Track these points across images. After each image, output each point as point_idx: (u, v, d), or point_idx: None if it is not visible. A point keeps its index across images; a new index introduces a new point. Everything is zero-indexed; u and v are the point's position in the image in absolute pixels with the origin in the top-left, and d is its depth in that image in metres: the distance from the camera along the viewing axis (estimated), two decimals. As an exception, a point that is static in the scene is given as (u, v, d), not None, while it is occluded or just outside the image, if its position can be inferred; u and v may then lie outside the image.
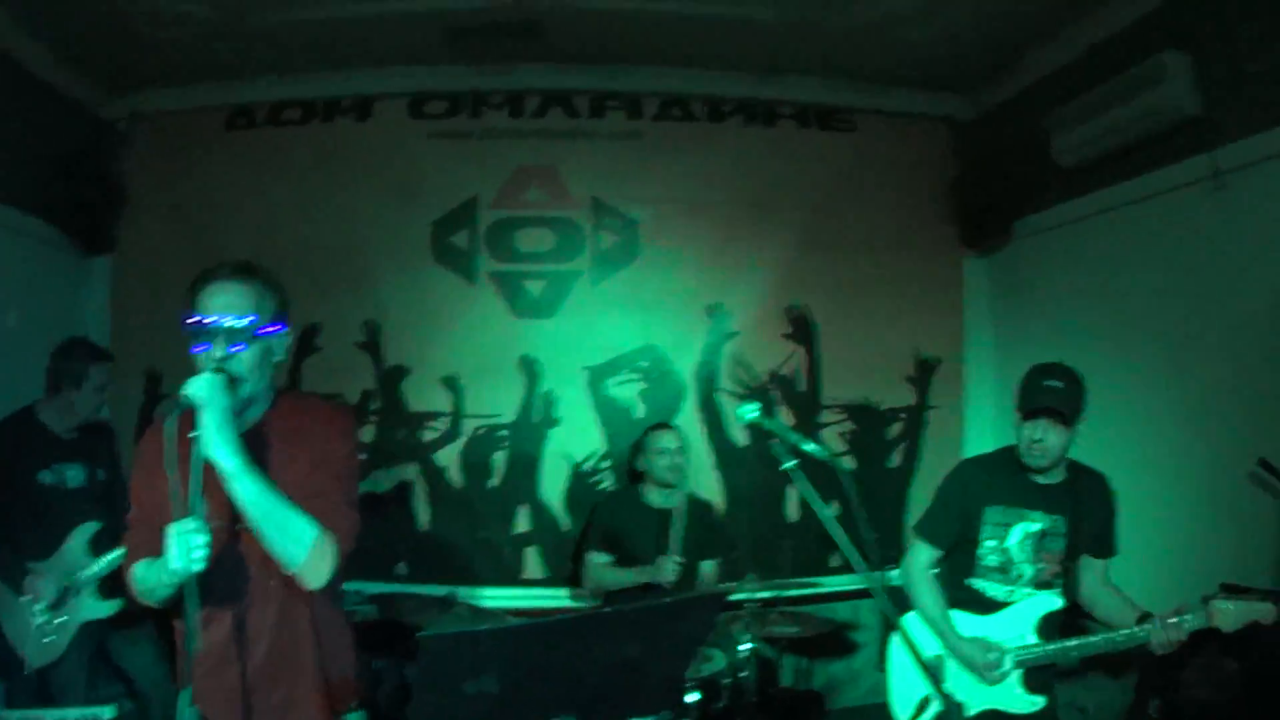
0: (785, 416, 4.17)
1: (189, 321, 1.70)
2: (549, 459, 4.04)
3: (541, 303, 4.07)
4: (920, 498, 4.05)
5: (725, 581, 3.53)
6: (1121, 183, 3.39)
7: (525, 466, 4.03)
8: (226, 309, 1.68)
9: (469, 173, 4.07)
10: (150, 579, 1.71)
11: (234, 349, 1.68)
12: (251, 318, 1.69)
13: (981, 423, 4.34)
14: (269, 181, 4.16)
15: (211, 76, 4.23)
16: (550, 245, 4.08)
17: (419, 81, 4.13)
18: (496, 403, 4.01)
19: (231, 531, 1.72)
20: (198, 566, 1.52)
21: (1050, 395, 2.30)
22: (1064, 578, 2.46)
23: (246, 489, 1.60)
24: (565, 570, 4.03)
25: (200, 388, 1.58)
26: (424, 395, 4.02)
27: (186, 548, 1.50)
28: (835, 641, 4.12)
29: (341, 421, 1.88)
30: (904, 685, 2.62)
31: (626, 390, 4.07)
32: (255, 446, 1.68)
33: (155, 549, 1.68)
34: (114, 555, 2.89)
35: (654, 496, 3.50)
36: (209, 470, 1.55)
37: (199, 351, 1.70)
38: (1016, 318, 4.27)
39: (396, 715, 3.54)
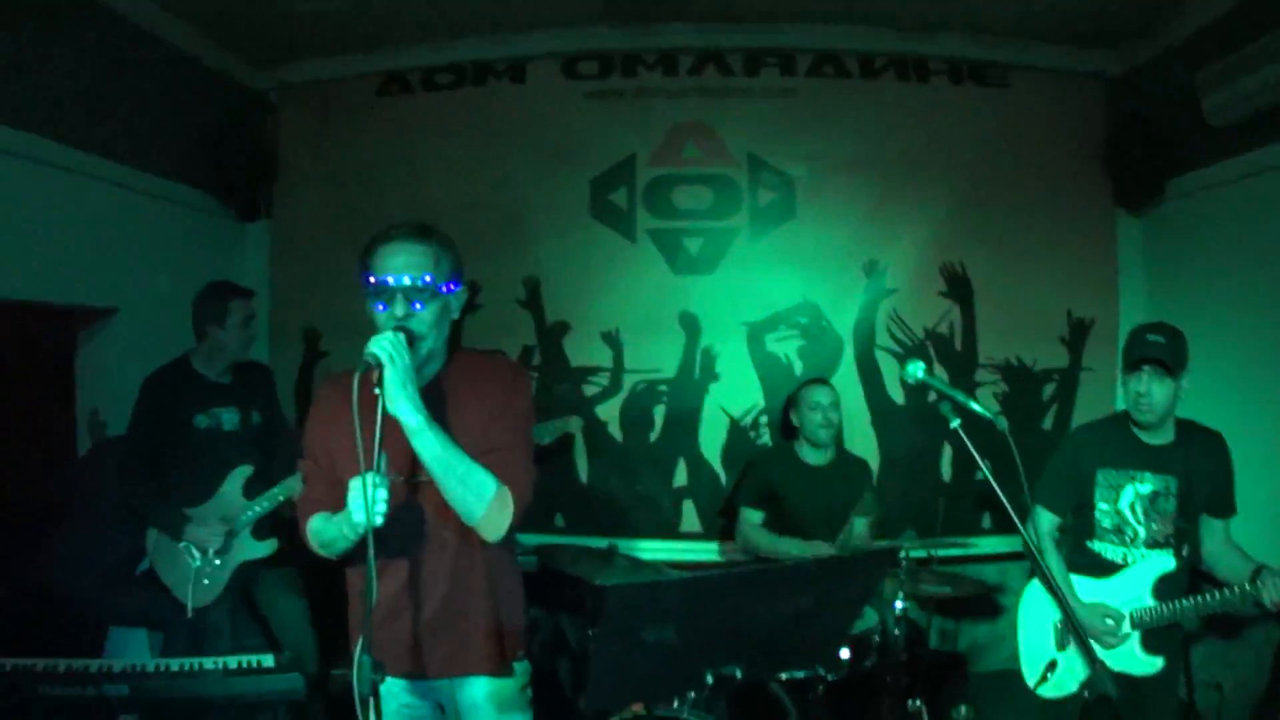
0: (941, 376, 4.09)
1: (368, 281, 1.72)
2: (708, 414, 4.03)
3: (700, 259, 4.05)
4: None
5: (877, 539, 3.52)
6: (1275, 144, 3.24)
7: (685, 421, 4.03)
8: (405, 269, 1.71)
9: (625, 132, 4.07)
10: (329, 532, 1.73)
11: (414, 308, 1.70)
12: (429, 276, 1.71)
13: (1133, 384, 4.20)
14: (423, 146, 4.22)
15: (361, 46, 4.31)
16: (708, 202, 4.06)
17: (572, 43, 4.14)
18: (657, 358, 4.01)
19: (410, 484, 1.75)
20: (379, 520, 1.52)
21: (1152, 347, 2.34)
22: (1184, 538, 2.44)
23: (429, 444, 1.61)
24: (720, 525, 4.02)
25: (383, 346, 1.59)
26: (585, 350, 4.04)
27: (369, 501, 1.51)
28: (981, 604, 4.04)
29: (517, 377, 1.91)
30: (1032, 648, 2.63)
31: (785, 346, 4.04)
32: (433, 401, 1.70)
33: (331, 503, 1.73)
34: (271, 496, 2.98)
35: (808, 453, 3.48)
36: (388, 424, 1.56)
37: (379, 311, 1.72)
38: (1171, 279, 4.12)
39: (548, 665, 3.56)
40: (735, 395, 4.03)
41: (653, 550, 3.87)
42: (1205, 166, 3.70)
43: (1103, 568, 2.48)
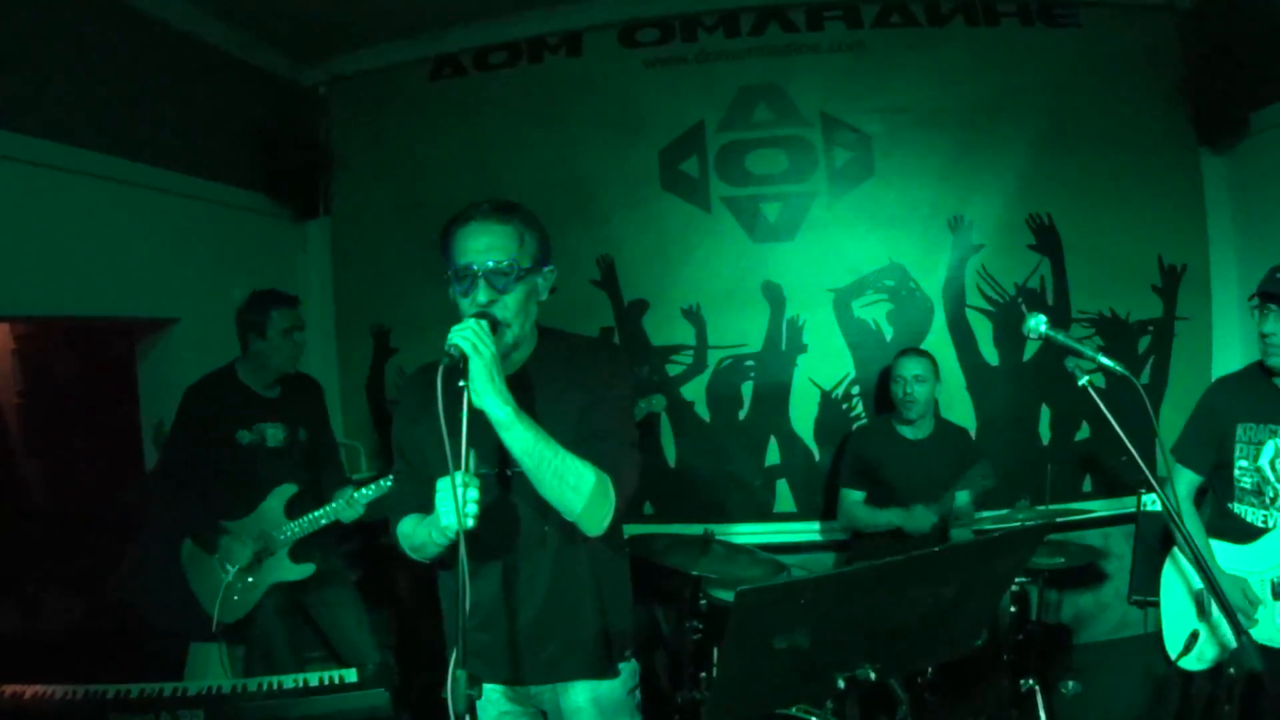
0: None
1: (450, 266, 1.60)
2: (798, 387, 3.88)
3: (780, 226, 3.90)
4: (1172, 416, 3.77)
5: (979, 509, 3.41)
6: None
7: (774, 396, 3.89)
8: (487, 251, 1.58)
9: (691, 98, 3.93)
10: (419, 536, 1.62)
11: (498, 292, 1.57)
12: (512, 258, 1.58)
13: (1228, 332, 4.03)
14: (482, 129, 4.12)
15: (408, 31, 4.20)
16: (783, 166, 3.91)
17: (627, 10, 4.01)
18: (741, 332, 3.88)
19: (502, 478, 1.63)
20: (470, 523, 1.41)
21: (1276, 284, 2.14)
22: None
23: (520, 438, 1.49)
24: (817, 504, 3.89)
25: (466, 336, 1.47)
26: (666, 328, 3.91)
27: (459, 503, 1.40)
28: (1085, 572, 3.89)
29: (613, 359, 1.77)
30: (1174, 618, 2.46)
31: (874, 311, 3.88)
32: (522, 389, 1.58)
33: (422, 503, 1.61)
34: (311, 519, 2.86)
35: (905, 427, 3.34)
36: (475, 415, 1.44)
37: (461, 297, 1.60)
38: (1260, 217, 3.93)
39: (644, 660, 3.45)
40: (825, 366, 3.88)
41: (747, 534, 3.73)
42: None
43: (1245, 533, 2.31)
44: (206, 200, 3.76)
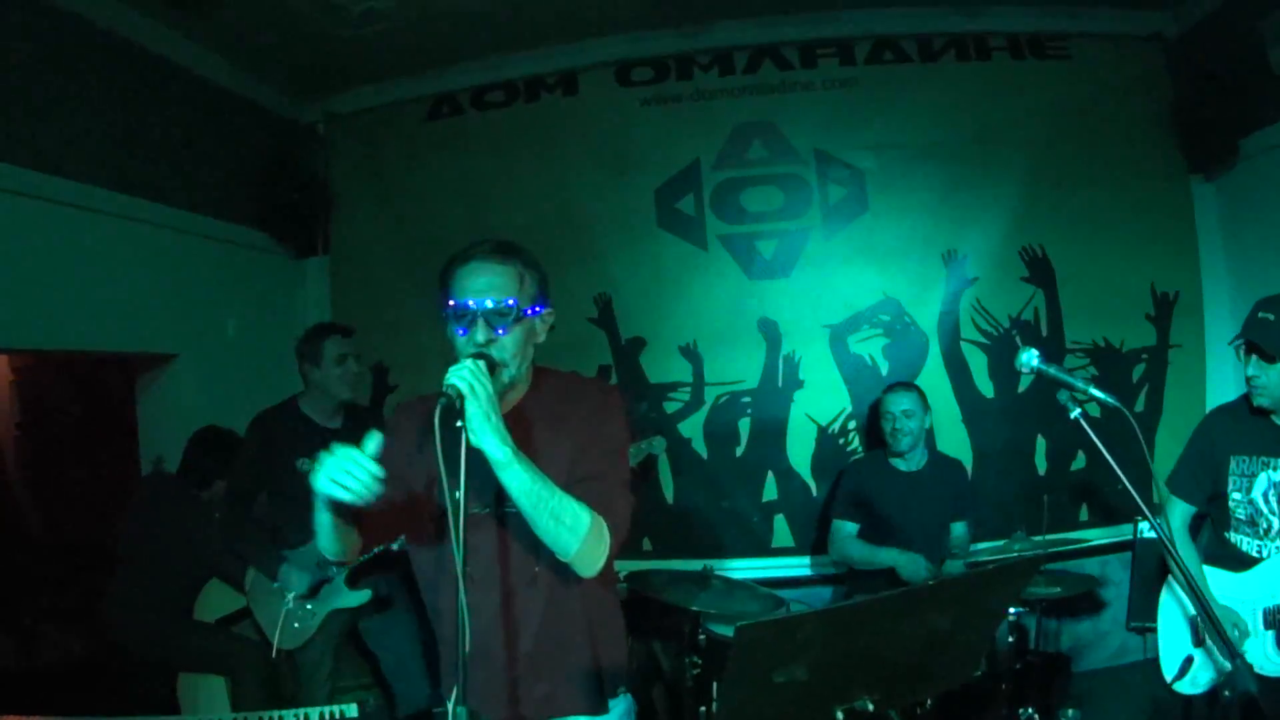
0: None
1: (447, 304, 1.60)
2: (795, 423, 3.91)
3: (775, 263, 3.94)
4: (1167, 443, 3.82)
5: (975, 540, 3.44)
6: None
7: (771, 432, 3.92)
8: (486, 291, 1.58)
9: (686, 136, 3.97)
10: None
11: (496, 333, 1.57)
12: (512, 299, 1.58)
13: (1223, 360, 4.05)
14: (479, 167, 4.14)
15: (406, 70, 4.23)
16: (779, 203, 3.95)
17: (623, 49, 4.05)
18: (738, 368, 3.91)
19: (499, 516, 1.63)
20: (346, 495, 1.39)
21: (1257, 328, 2.18)
22: None
23: (518, 477, 1.48)
24: (814, 539, 3.91)
25: (463, 376, 1.46)
26: (663, 365, 3.94)
27: (337, 469, 1.39)
28: (1083, 600, 3.91)
29: (611, 399, 1.74)
30: (1171, 643, 2.50)
31: (869, 346, 3.92)
32: (518, 429, 1.57)
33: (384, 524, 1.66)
34: (368, 549, 2.88)
35: (898, 460, 3.37)
36: (473, 454, 1.44)
37: (459, 336, 1.60)
38: (1251, 244, 3.97)
39: (643, 694, 3.47)
40: (821, 402, 3.91)
41: (745, 569, 3.73)
42: (1276, 121, 3.55)
43: (1240, 560, 2.35)
44: (205, 236, 3.79)
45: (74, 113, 3.12)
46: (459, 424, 1.43)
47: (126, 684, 3.30)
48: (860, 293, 3.91)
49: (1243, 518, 2.34)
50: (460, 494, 1.40)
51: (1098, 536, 3.89)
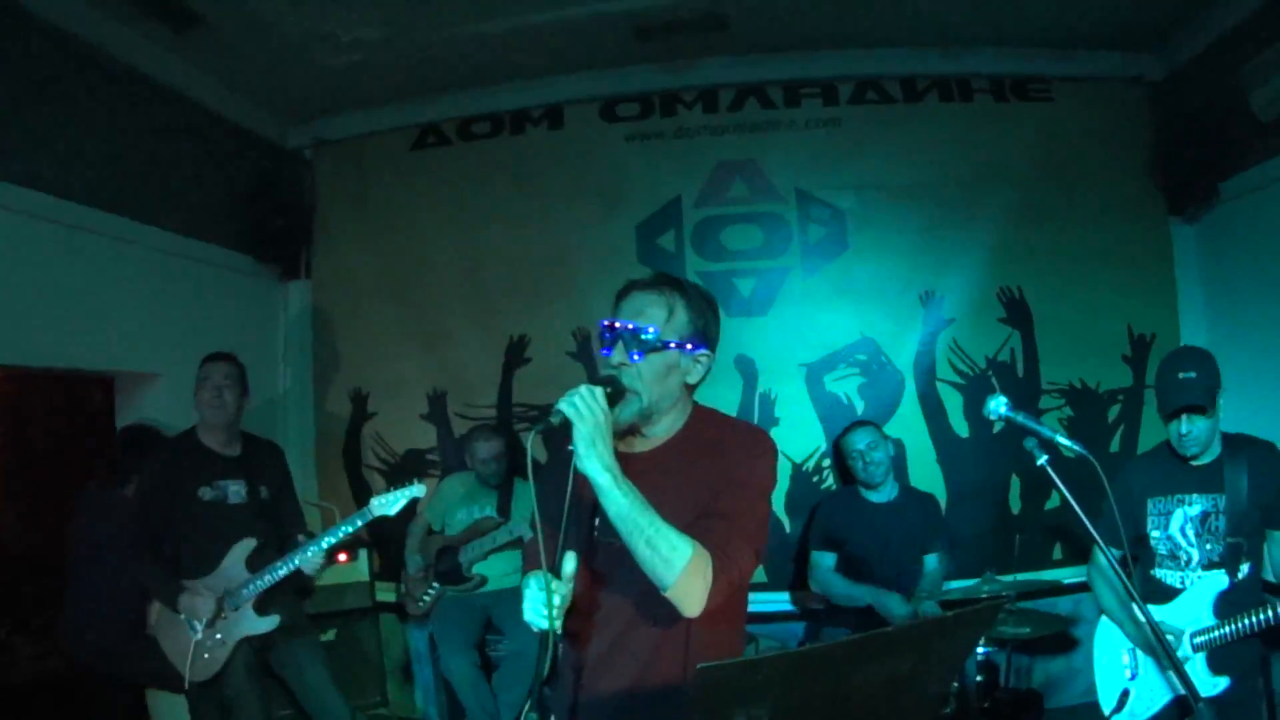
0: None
1: (603, 324, 1.61)
2: (770, 460, 3.92)
3: (754, 301, 3.97)
4: None
5: (949, 574, 3.50)
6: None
7: (746, 469, 3.93)
8: (634, 315, 1.59)
9: (669, 173, 4.01)
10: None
11: (632, 358, 1.58)
12: (655, 328, 1.58)
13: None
14: (462, 197, 4.17)
15: (394, 98, 4.26)
16: (758, 242, 3.98)
17: (608, 85, 4.09)
18: (714, 404, 3.74)
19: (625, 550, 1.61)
20: (544, 625, 1.43)
21: (1186, 392, 2.32)
22: (1239, 554, 2.39)
23: (615, 502, 1.48)
24: (787, 574, 3.93)
25: (572, 401, 1.47)
26: None
27: (537, 604, 1.43)
28: (1056, 637, 3.93)
29: (757, 441, 1.71)
30: (1107, 678, 2.64)
31: (845, 385, 3.95)
32: (659, 467, 1.59)
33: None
34: (272, 570, 2.90)
35: (870, 493, 3.40)
36: (578, 476, 1.47)
37: (602, 355, 1.62)
38: (1229, 286, 4.00)
39: None
40: (796, 439, 3.93)
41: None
42: (1257, 164, 3.59)
43: (1165, 594, 2.45)
44: (190, 258, 3.81)
45: (65, 132, 3.15)
46: (570, 448, 1.46)
47: (96, 701, 3.30)
48: (837, 332, 3.94)
49: (1164, 553, 2.47)
50: (564, 516, 1.46)
51: (1070, 575, 3.89)
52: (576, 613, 1.60)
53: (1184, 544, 2.43)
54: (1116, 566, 1.93)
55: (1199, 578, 2.41)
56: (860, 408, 3.92)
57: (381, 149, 4.29)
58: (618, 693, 1.65)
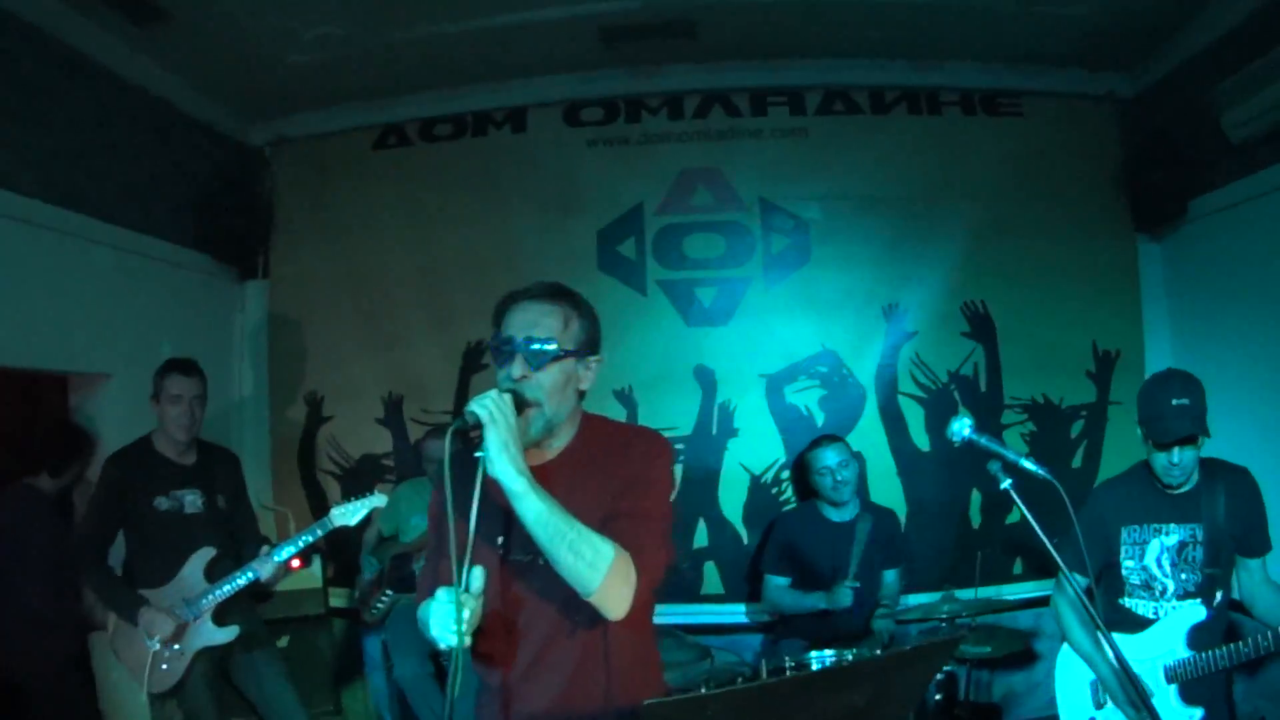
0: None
1: (492, 339, 1.59)
2: (728, 472, 3.89)
3: (714, 310, 3.93)
4: None
5: (906, 589, 3.49)
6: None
7: (704, 480, 3.90)
8: (530, 327, 1.57)
9: (631, 179, 3.96)
10: (427, 627, 1.52)
11: (532, 371, 1.55)
12: (552, 340, 1.56)
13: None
14: (423, 199, 4.11)
15: (356, 97, 4.20)
16: (720, 251, 3.94)
17: (573, 89, 4.04)
18: (672, 414, 3.88)
19: (536, 565, 1.58)
20: (451, 643, 1.39)
21: (1186, 420, 2.20)
22: (1215, 584, 2.36)
23: (533, 509, 1.45)
24: (744, 587, 3.89)
25: (484, 405, 1.45)
26: (598, 410, 3.76)
27: (444, 619, 1.39)
28: (1016, 652, 3.92)
29: (655, 445, 1.71)
30: (1071, 708, 2.58)
31: (806, 397, 3.91)
32: (559, 476, 1.56)
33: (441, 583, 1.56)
34: (231, 580, 2.86)
35: (831, 511, 3.37)
36: (500, 496, 1.44)
37: (498, 370, 1.59)
38: (1193, 303, 4.00)
39: None
40: (755, 451, 3.90)
41: (673, 614, 3.71)
42: (1226, 184, 3.58)
43: (1136, 623, 2.40)
44: (145, 255, 3.72)
45: (21, 124, 3.06)
46: (478, 455, 1.42)
47: (52, 704, 3.21)
48: (799, 343, 3.90)
49: (1137, 583, 2.40)
50: (471, 524, 1.43)
51: (1031, 589, 3.88)
52: (491, 634, 1.57)
53: (1159, 574, 2.37)
54: (1085, 600, 1.89)
55: (1174, 608, 2.35)
56: (821, 420, 3.89)
57: (342, 148, 4.23)
58: (547, 709, 1.62)
